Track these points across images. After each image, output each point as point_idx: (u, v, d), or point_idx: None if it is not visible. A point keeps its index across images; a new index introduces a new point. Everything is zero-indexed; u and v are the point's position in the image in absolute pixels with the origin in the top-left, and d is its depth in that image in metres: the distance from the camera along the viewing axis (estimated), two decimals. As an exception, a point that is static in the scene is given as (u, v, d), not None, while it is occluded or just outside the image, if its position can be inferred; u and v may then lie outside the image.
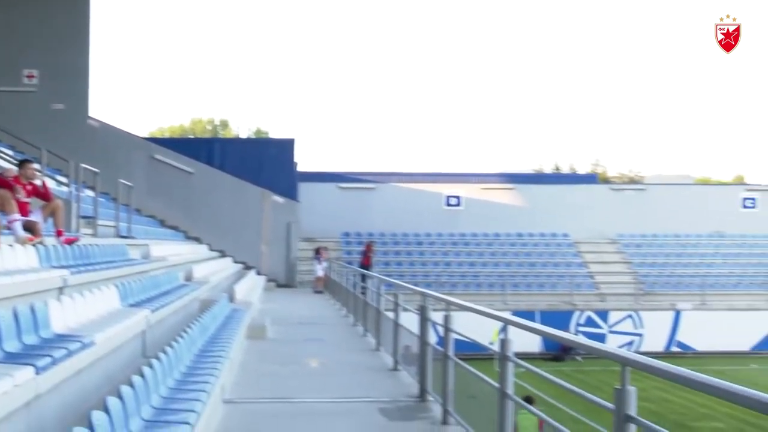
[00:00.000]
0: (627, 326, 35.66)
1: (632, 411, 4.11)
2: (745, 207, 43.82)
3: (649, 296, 37.83)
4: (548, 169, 78.14)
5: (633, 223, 42.67)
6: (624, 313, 35.91)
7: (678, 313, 35.77)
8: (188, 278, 16.73)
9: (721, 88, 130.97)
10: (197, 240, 31.07)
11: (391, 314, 12.15)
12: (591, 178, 52.55)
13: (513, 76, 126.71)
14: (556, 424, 5.32)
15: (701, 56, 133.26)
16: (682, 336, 35.52)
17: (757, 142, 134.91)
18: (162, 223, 30.67)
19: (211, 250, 30.51)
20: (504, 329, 6.34)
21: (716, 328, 34.98)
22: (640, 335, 35.45)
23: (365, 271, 21.06)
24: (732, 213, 43.42)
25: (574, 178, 55.48)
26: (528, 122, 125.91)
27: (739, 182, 71.89)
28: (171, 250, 19.19)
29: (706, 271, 39.59)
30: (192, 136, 75.26)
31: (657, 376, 3.89)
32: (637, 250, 41.77)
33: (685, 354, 34.48)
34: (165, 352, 7.31)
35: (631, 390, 4.13)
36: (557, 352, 33.04)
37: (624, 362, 4.18)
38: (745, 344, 35.38)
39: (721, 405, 20.56)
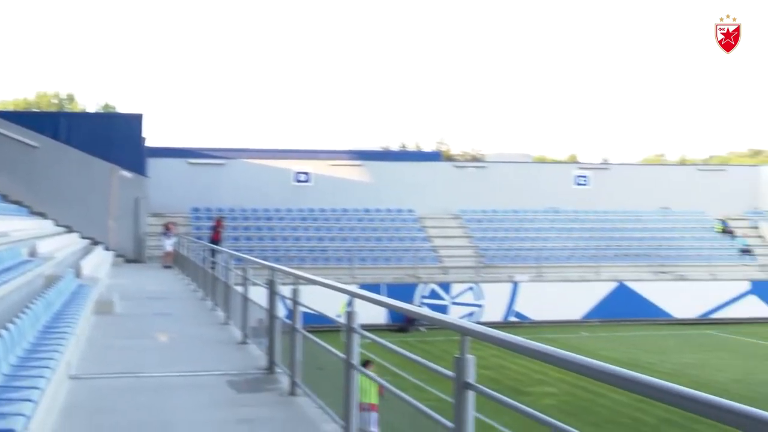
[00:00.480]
0: (468, 298, 36.90)
1: (471, 378, 4.25)
2: (577, 184, 45.89)
3: (488, 269, 39.17)
4: (395, 147, 79.31)
5: (474, 199, 43.95)
6: (465, 286, 37.13)
7: (515, 285, 37.28)
8: (32, 254, 16.17)
9: (558, 74, 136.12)
10: (42, 215, 30.00)
11: (240, 288, 12.21)
12: (435, 156, 53.59)
13: (362, 55, 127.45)
14: (394, 388, 5.59)
15: (539, 41, 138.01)
16: (519, 306, 37.07)
17: (589, 124, 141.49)
18: (4, 198, 29.48)
19: (57, 225, 29.52)
20: (350, 302, 6.55)
21: (551, 299, 36.76)
22: (480, 306, 36.75)
23: (215, 246, 20.94)
24: (566, 190, 45.37)
25: (419, 156, 56.41)
26: (376, 101, 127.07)
27: (573, 161, 75.07)
28: (14, 225, 18.48)
29: (542, 244, 41.31)
30: (37, 110, 71.81)
31: (495, 344, 4.03)
32: (478, 225, 43.08)
33: (522, 323, 36.01)
34: (7, 329, 7.15)
35: (470, 358, 4.28)
36: (402, 324, 33.80)
37: (463, 332, 4.31)
38: (577, 313, 37.27)
39: (553, 371, 21.66)
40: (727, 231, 43.99)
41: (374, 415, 12.48)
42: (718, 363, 27.78)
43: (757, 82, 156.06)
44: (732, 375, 25.29)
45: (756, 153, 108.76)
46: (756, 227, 45.13)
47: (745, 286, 38.89)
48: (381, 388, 6.72)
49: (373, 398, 12.41)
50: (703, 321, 37.59)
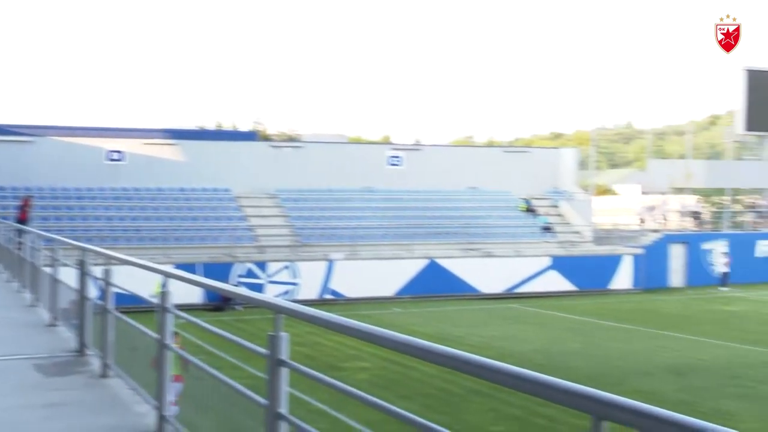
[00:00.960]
0: (284, 276, 37.13)
1: (284, 355, 4.36)
2: (391, 164, 46.77)
3: (304, 248, 39.45)
4: (210, 126, 78.18)
5: (291, 178, 43.99)
6: (281, 264, 37.32)
7: (331, 263, 37.79)
8: None
9: (372, 56, 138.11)
10: None
11: (49, 270, 11.81)
12: (251, 136, 53.27)
13: (177, 33, 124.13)
14: (208, 367, 5.70)
15: (351, 23, 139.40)
16: (334, 284, 37.63)
17: (402, 106, 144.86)
18: None
19: None
20: (165, 282, 6.55)
21: (365, 276, 37.56)
22: (296, 284, 37.07)
23: (22, 226, 20.05)
24: (380, 170, 46.18)
25: (235, 135, 55.90)
26: (192, 80, 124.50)
27: (386, 142, 76.55)
28: None
29: (357, 223, 41.94)
30: None
31: (308, 321, 4.16)
32: (295, 204, 43.17)
33: (337, 301, 36.58)
34: None
35: (284, 336, 4.38)
36: (219, 303, 33.59)
37: (276, 310, 4.43)
38: (390, 290, 38.20)
39: (367, 346, 22.16)
40: (530, 210, 46.24)
41: (177, 386, 12.48)
42: (521, 335, 29.26)
43: (558, 71, 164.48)
44: (534, 346, 26.73)
45: (557, 136, 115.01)
46: (556, 206, 47.70)
47: (547, 261, 41.19)
48: (183, 359, 6.79)
49: (176, 369, 12.33)
50: (508, 295, 39.47)
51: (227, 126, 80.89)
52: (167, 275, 6.56)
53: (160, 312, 6.28)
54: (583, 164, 52.93)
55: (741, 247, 45.55)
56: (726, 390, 20.16)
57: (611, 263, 42.41)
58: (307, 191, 43.98)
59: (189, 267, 31.79)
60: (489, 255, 40.79)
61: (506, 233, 43.52)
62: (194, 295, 31.09)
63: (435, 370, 19.50)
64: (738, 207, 53.27)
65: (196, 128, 63.40)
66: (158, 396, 6.35)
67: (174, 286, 6.30)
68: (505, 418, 17.17)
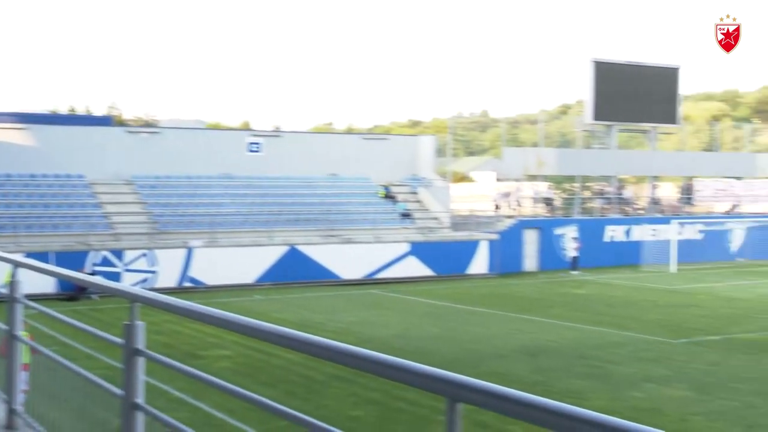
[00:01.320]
0: (142, 264, 36.31)
1: (141, 345, 4.34)
2: (250, 151, 46.28)
3: (163, 235, 38.65)
4: (63, 111, 75.36)
5: (148, 164, 42.92)
6: (139, 252, 36.48)
7: (190, 251, 37.21)
8: None
9: (229, 43, 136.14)
10: None
11: None
12: (106, 121, 51.62)
13: (25, 12, 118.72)
14: (61, 358, 5.54)
15: (207, 9, 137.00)
16: (194, 272, 37.08)
17: (261, 92, 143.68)
18: None
19: None
20: (15, 271, 6.34)
21: (225, 264, 37.19)
22: (154, 272, 36.33)
23: None
24: (239, 156, 45.64)
25: (88, 120, 54.06)
26: (43, 62, 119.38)
27: (245, 128, 75.79)
28: None
29: (216, 210, 41.33)
30: None
31: (165, 310, 4.16)
32: (152, 191, 42.14)
33: (197, 288, 36.08)
34: None
35: (140, 325, 4.35)
36: (73, 292, 32.61)
37: (132, 299, 4.41)
38: (250, 277, 37.96)
39: (228, 334, 21.98)
40: (389, 196, 46.74)
41: (24, 375, 12.15)
42: (381, 320, 29.61)
43: (416, 59, 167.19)
44: (393, 331, 27.11)
45: (415, 123, 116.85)
46: (415, 193, 48.43)
47: (405, 247, 41.80)
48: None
49: (24, 357, 11.97)
50: (368, 281, 39.86)
51: (80, 110, 78.11)
52: (17, 264, 6.36)
53: (10, 302, 6.08)
54: (440, 152, 53.87)
55: (590, 232, 47.53)
56: (576, 370, 21.08)
57: (468, 249, 43.45)
58: (165, 178, 43.03)
59: (41, 256, 30.65)
60: (349, 241, 41.06)
61: (366, 220, 43.86)
62: (47, 285, 30.05)
63: (296, 356, 19.55)
64: (587, 194, 55.47)
65: (48, 112, 61.03)
66: (7, 389, 6.15)
67: (24, 275, 6.11)
68: (366, 403, 17.39)
